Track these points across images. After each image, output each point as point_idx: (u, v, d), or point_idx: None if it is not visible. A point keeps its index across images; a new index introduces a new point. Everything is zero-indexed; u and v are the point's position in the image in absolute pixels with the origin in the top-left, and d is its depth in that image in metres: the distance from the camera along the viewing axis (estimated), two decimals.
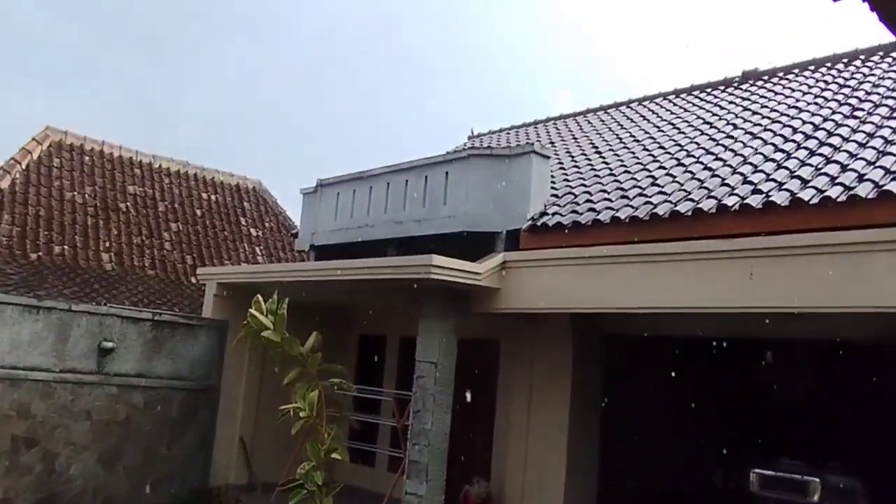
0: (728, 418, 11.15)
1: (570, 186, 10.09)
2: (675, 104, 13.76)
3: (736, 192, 7.76)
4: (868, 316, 6.36)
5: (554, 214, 9.20)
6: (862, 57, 12.07)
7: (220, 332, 11.39)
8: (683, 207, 7.87)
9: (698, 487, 11.15)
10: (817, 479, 9.19)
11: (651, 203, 8.34)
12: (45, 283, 11.96)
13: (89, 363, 10.11)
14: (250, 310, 8.59)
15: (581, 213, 8.91)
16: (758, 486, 9.87)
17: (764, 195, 7.36)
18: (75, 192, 15.09)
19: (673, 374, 10.90)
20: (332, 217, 11.94)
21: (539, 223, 9.19)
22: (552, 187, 10.08)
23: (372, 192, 11.24)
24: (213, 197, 17.60)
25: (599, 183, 9.86)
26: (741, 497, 10.01)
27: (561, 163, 11.60)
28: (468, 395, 9.85)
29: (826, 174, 7.48)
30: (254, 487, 11.35)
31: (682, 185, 8.65)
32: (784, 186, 7.42)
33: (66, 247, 13.88)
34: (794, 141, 8.97)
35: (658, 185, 8.91)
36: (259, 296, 8.65)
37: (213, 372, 11.29)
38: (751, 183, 7.87)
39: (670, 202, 8.15)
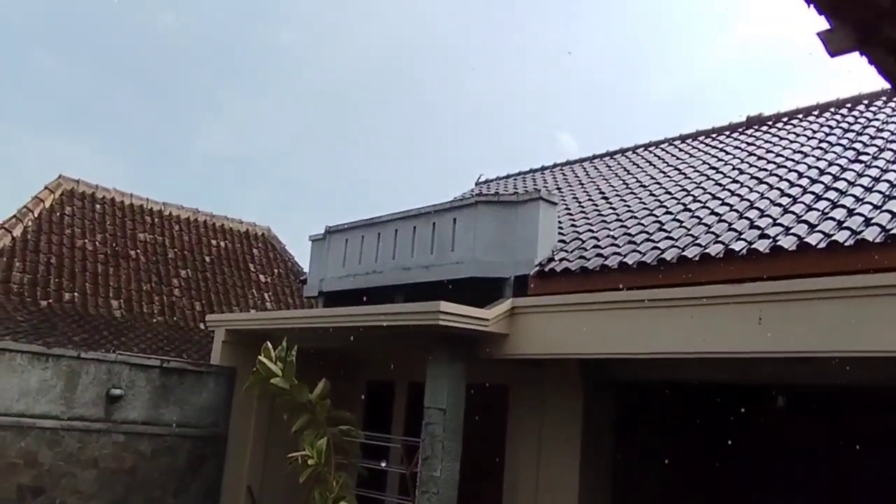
0: (741, 463, 11.00)
1: (578, 232, 10.14)
2: (680, 149, 13.87)
3: (743, 236, 7.79)
4: (878, 360, 6.32)
5: (561, 260, 9.23)
6: (865, 101, 12.19)
7: (228, 378, 11.38)
8: (691, 252, 7.89)
9: None
10: None
11: (658, 248, 8.37)
12: (54, 330, 12.00)
13: (97, 411, 10.09)
14: (259, 357, 8.65)
15: (588, 259, 8.94)
16: None
17: (771, 240, 7.38)
18: (86, 240, 15.22)
19: (683, 420, 10.81)
20: (341, 264, 11.99)
21: (547, 269, 9.21)
22: (560, 232, 10.13)
23: (380, 239, 11.31)
24: (222, 243, 17.72)
25: (606, 228, 9.91)
26: None
27: (568, 208, 11.67)
28: (477, 442, 9.78)
29: (832, 218, 7.51)
30: None
31: (688, 230, 8.69)
32: (791, 231, 7.45)
33: (76, 294, 13.95)
34: (799, 185, 9.02)
35: (665, 231, 8.94)
36: (268, 343, 8.71)
37: (220, 419, 11.24)
38: (758, 228, 7.89)
39: (677, 247, 8.17)
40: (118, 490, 10.15)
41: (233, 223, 18.52)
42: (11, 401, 9.44)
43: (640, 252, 8.51)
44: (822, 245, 6.95)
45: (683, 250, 8.02)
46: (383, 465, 10.60)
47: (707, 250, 7.76)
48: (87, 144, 48.80)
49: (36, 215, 14.98)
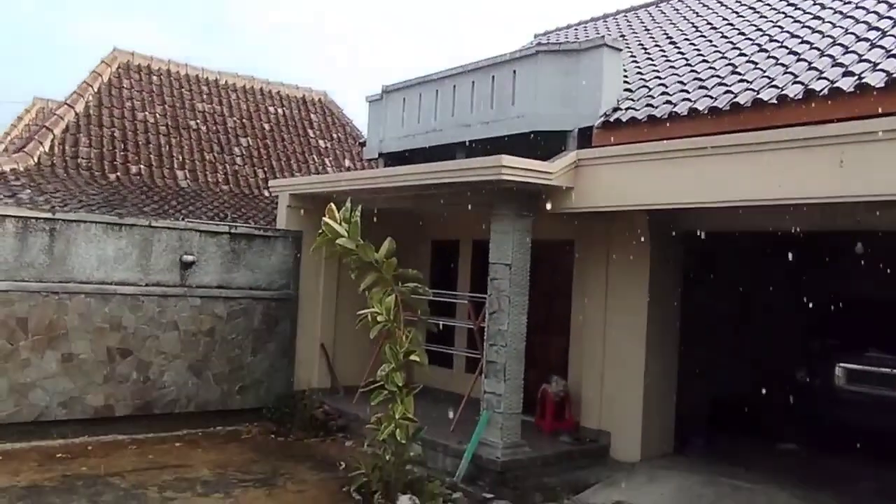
0: (812, 313, 10.85)
1: (644, 80, 9.67)
2: None
3: (825, 75, 7.27)
4: None
5: (627, 109, 8.85)
6: None
7: (295, 242, 11.58)
8: (767, 95, 7.44)
9: (781, 385, 11.01)
10: None
11: (731, 92, 7.92)
12: (125, 202, 12.29)
13: (173, 276, 10.43)
14: (324, 218, 8.68)
15: (656, 107, 8.55)
16: (844, 380, 9.73)
17: (856, 77, 6.88)
18: (146, 112, 15.31)
19: (754, 269, 10.64)
20: (399, 123, 11.80)
21: (612, 119, 8.87)
22: (625, 81, 9.68)
23: (438, 96, 11.02)
24: (280, 110, 17.64)
25: (675, 74, 9.41)
26: (826, 393, 9.87)
27: (633, 55, 11.10)
28: (543, 297, 9.84)
29: None
30: (336, 391, 11.73)
31: (764, 71, 8.16)
32: (878, 67, 6.91)
33: (142, 166, 14.19)
34: (889, 17, 8.32)
35: (739, 73, 8.43)
36: (332, 204, 8.71)
37: (290, 281, 11.54)
38: (841, 65, 7.36)
39: (752, 90, 7.71)
40: (199, 350, 10.64)
41: (289, 89, 18.36)
42: (92, 269, 9.81)
43: (711, 97, 8.08)
44: None
45: (759, 93, 7.57)
46: (450, 321, 10.83)
47: (785, 92, 7.30)
48: (144, 23, 48.43)
49: (96, 90, 15.05)
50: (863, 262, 9.08)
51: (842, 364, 9.76)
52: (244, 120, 16.71)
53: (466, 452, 8.57)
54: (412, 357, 8.11)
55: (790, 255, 9.01)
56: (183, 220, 11.27)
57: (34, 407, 9.43)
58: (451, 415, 9.67)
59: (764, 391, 9.61)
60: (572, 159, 8.31)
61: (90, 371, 9.79)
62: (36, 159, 13.11)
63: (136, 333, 10.12)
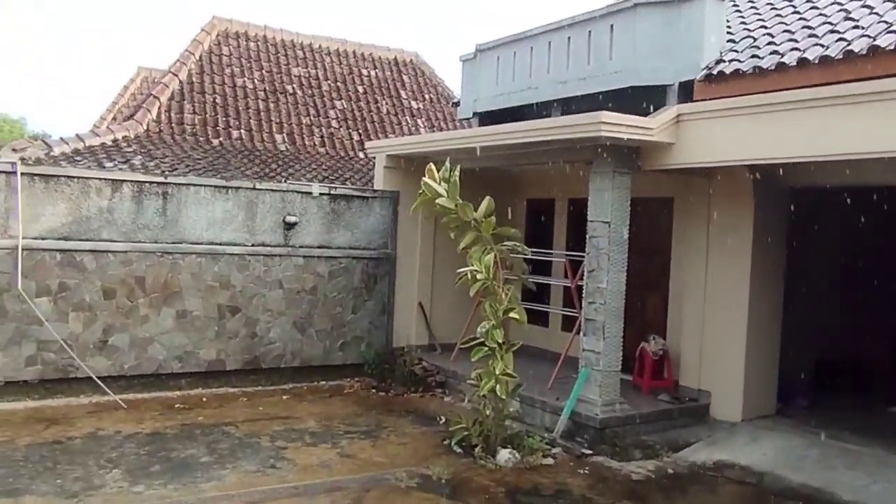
0: None
1: (749, 30, 9.32)
2: None
3: None
4: None
5: (731, 61, 8.58)
6: None
7: (392, 202, 11.78)
8: (884, 42, 7.08)
9: (890, 345, 10.61)
10: None
11: (845, 40, 7.56)
12: (228, 165, 12.77)
13: (276, 237, 10.81)
14: (424, 178, 8.82)
15: (762, 58, 8.25)
16: None
17: None
18: (245, 78, 15.75)
19: (863, 225, 10.22)
20: (494, 82, 11.78)
21: (715, 71, 8.62)
22: (728, 32, 9.36)
23: (533, 53, 10.94)
24: (372, 73, 17.83)
25: (783, 23, 9.03)
26: None
27: (736, 5, 10.68)
28: (642, 255, 9.74)
29: None
30: (433, 348, 11.98)
31: (881, 16, 7.75)
32: None
33: (242, 131, 14.66)
34: None
35: (853, 20, 8.03)
36: (432, 164, 8.83)
37: (388, 241, 11.78)
38: None
39: (868, 36, 7.35)
40: (303, 308, 11.04)
41: (381, 51, 18.51)
42: (202, 230, 10.27)
43: (822, 45, 7.74)
44: None
45: (875, 39, 7.21)
46: (547, 279, 10.86)
47: None
48: None
49: (197, 58, 15.57)
50: None
51: None
52: (338, 83, 16.98)
53: (565, 409, 8.66)
54: (511, 315, 8.23)
55: None
56: (286, 181, 11.63)
57: (153, 360, 10.02)
58: (548, 372, 9.77)
59: (872, 351, 9.28)
60: (673, 114, 8.14)
61: (202, 327, 10.31)
62: (145, 126, 13.73)
63: (243, 291, 10.58)
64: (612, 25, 9.66)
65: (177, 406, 9.51)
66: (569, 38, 10.29)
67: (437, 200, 8.19)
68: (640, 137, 8.00)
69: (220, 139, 14.25)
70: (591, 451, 8.26)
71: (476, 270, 8.13)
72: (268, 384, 10.74)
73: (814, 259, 9.79)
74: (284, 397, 10.29)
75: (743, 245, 8.95)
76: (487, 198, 8.14)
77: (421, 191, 8.29)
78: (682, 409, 9.24)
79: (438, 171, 8.26)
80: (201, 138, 14.05)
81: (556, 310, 11.19)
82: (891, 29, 7.27)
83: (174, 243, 10.08)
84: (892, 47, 6.96)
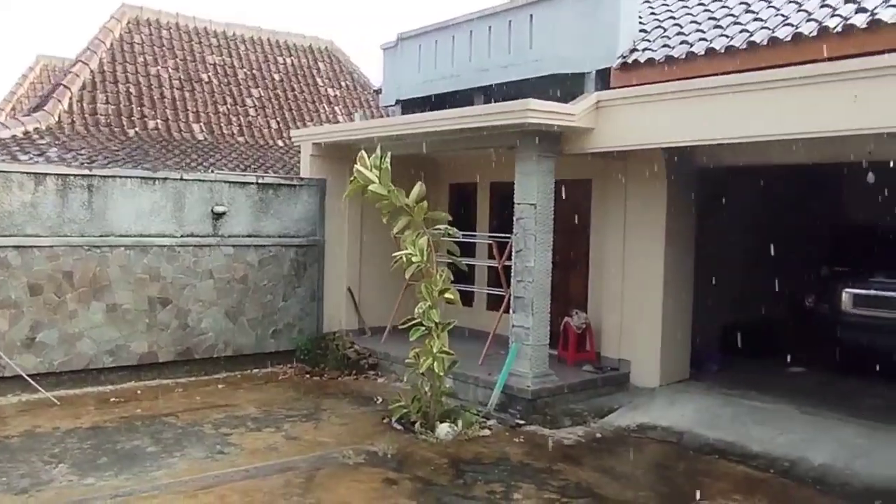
0: (820, 242, 11.34)
1: (659, 20, 9.92)
2: None
3: (838, 12, 7.58)
4: None
5: (644, 50, 9.15)
6: None
7: (319, 190, 11.93)
8: (782, 33, 7.76)
9: (790, 311, 11.53)
10: None
11: (747, 31, 8.22)
12: (147, 156, 12.60)
13: (205, 227, 10.81)
14: (356, 166, 9.06)
15: (673, 47, 8.85)
16: (850, 304, 10.21)
17: (869, 13, 7.19)
18: (159, 67, 15.47)
19: (766, 201, 11.06)
20: (416, 70, 12.06)
21: (630, 60, 9.17)
22: (640, 22, 9.93)
23: (455, 42, 11.27)
24: (288, 60, 17.78)
25: (690, 14, 9.67)
26: (833, 317, 10.38)
27: None
28: (564, 234, 10.26)
29: None
30: (363, 332, 12.24)
31: (778, 9, 8.45)
32: (890, 3, 7.22)
33: (158, 120, 14.44)
34: None
35: (753, 12, 8.72)
36: (363, 152, 9.07)
37: (317, 228, 11.93)
38: (854, 1, 7.65)
39: (767, 28, 8.02)
40: (234, 297, 11.10)
41: (296, 39, 18.46)
42: (129, 223, 10.18)
43: (727, 36, 8.38)
44: None
45: (774, 31, 7.88)
46: (474, 260, 11.26)
47: (799, 30, 7.62)
48: None
49: (108, 46, 15.19)
50: (870, 192, 9.48)
51: (848, 289, 10.22)
52: (254, 71, 16.88)
53: (498, 382, 9.10)
54: (446, 295, 8.59)
55: (801, 187, 9.37)
56: (212, 171, 11.62)
57: (83, 356, 9.90)
58: (476, 350, 10.20)
59: (774, 317, 10.08)
60: (593, 101, 8.64)
61: (133, 320, 10.25)
62: (56, 117, 13.35)
63: (174, 283, 10.56)
64: (531, 15, 10.09)
65: (112, 400, 9.47)
66: (490, 27, 10.67)
67: (369, 187, 8.44)
68: (564, 123, 8.47)
69: (136, 129, 14.00)
70: (524, 422, 8.73)
71: (411, 254, 8.44)
72: (202, 374, 10.79)
73: (721, 233, 10.53)
74: (220, 386, 10.37)
75: (657, 222, 9.57)
76: (419, 184, 8.45)
77: (352, 178, 8.53)
78: (606, 379, 9.84)
79: (369, 159, 8.50)
80: (116, 129, 13.78)
81: (484, 289, 11.61)
82: (787, 22, 7.94)
83: (102, 236, 9.96)
84: (789, 38, 7.64)
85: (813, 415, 8.45)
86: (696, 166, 9.50)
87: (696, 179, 9.78)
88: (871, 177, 8.38)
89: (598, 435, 8.37)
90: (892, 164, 8.03)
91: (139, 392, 9.90)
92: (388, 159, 8.43)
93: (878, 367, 9.36)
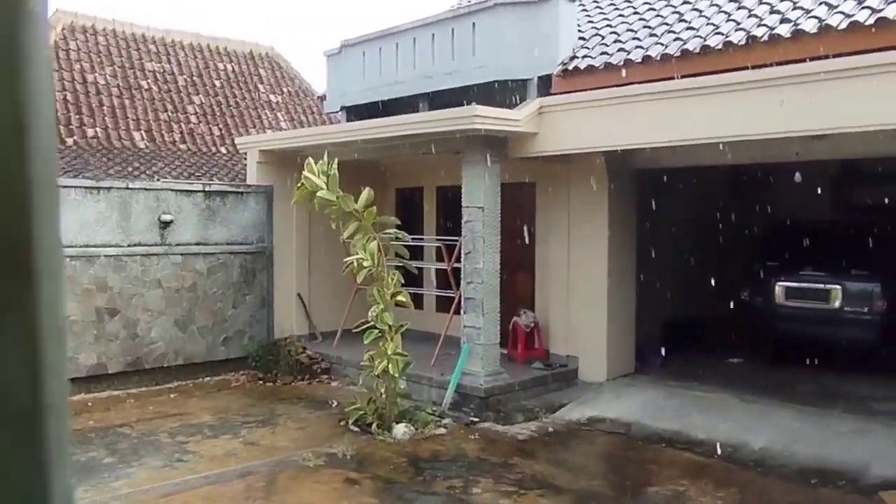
0: (754, 238, 11.88)
1: (597, 29, 10.31)
2: None
3: (764, 22, 8.04)
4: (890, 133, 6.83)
5: (584, 57, 9.50)
6: None
7: (266, 197, 11.97)
8: (713, 42, 8.19)
9: (726, 305, 12.03)
10: (838, 286, 10.03)
11: (681, 39, 8.64)
12: (88, 165, 12.44)
13: (153, 236, 10.77)
14: (304, 172, 9.20)
15: (611, 54, 9.22)
16: (783, 297, 10.74)
17: (792, 24, 7.66)
18: (97, 74, 15.24)
19: (702, 201, 11.55)
20: (360, 77, 12.21)
21: (570, 66, 9.52)
22: (578, 30, 10.29)
23: (399, 49, 11.46)
24: (228, 66, 17.69)
25: (626, 23, 10.07)
26: (767, 309, 10.90)
27: (583, 6, 11.69)
28: (510, 236, 10.55)
29: None
30: (315, 337, 12.32)
31: (709, 18, 8.90)
32: (811, 13, 7.70)
33: (98, 129, 14.23)
34: None
35: (685, 21, 9.15)
36: (310, 159, 9.22)
37: (265, 235, 11.97)
38: (778, 12, 8.12)
39: (700, 37, 8.45)
40: (183, 305, 11.07)
41: (236, 45, 18.36)
42: (74, 233, 10.07)
43: (662, 44, 8.78)
44: (843, 26, 7.25)
45: (706, 39, 8.31)
46: (423, 263, 11.47)
47: (729, 38, 8.05)
48: None
49: None
50: (798, 190, 10.04)
51: (780, 282, 10.76)
52: (194, 77, 16.75)
53: (451, 382, 9.33)
54: (398, 298, 8.78)
55: (735, 187, 9.83)
56: (158, 179, 11.55)
57: None
58: (427, 352, 10.40)
59: (712, 312, 10.54)
60: (536, 106, 8.95)
61: (80, 331, 10.14)
62: None
63: (121, 293, 10.48)
64: (474, 23, 10.36)
65: None
66: (433, 35, 10.90)
67: (318, 193, 8.57)
68: (509, 128, 8.75)
69: (75, 138, 13.78)
70: (478, 419, 8.98)
71: (362, 259, 8.60)
72: (153, 384, 10.72)
73: (658, 232, 10.95)
74: (172, 396, 10.33)
75: (600, 223, 9.94)
76: (367, 189, 8.62)
77: (300, 184, 8.64)
78: (555, 375, 10.16)
79: (316, 165, 8.63)
80: None
81: (434, 291, 11.83)
82: (718, 31, 8.38)
83: None
84: (720, 46, 8.06)
85: (752, 402, 8.91)
86: (635, 168, 9.90)
87: (636, 181, 10.18)
88: (798, 176, 8.88)
89: (551, 429, 8.66)
90: (816, 164, 8.59)
91: (90, 404, 9.80)
92: (335, 165, 8.57)
93: (809, 356, 9.90)
